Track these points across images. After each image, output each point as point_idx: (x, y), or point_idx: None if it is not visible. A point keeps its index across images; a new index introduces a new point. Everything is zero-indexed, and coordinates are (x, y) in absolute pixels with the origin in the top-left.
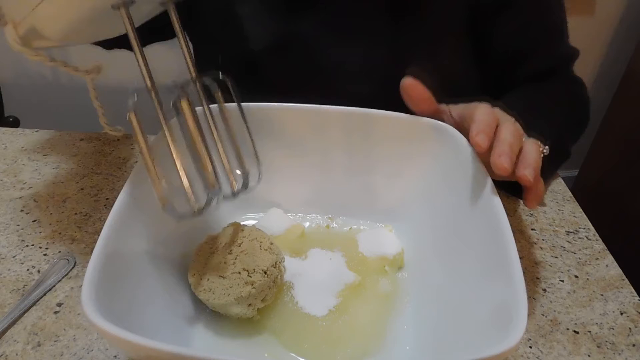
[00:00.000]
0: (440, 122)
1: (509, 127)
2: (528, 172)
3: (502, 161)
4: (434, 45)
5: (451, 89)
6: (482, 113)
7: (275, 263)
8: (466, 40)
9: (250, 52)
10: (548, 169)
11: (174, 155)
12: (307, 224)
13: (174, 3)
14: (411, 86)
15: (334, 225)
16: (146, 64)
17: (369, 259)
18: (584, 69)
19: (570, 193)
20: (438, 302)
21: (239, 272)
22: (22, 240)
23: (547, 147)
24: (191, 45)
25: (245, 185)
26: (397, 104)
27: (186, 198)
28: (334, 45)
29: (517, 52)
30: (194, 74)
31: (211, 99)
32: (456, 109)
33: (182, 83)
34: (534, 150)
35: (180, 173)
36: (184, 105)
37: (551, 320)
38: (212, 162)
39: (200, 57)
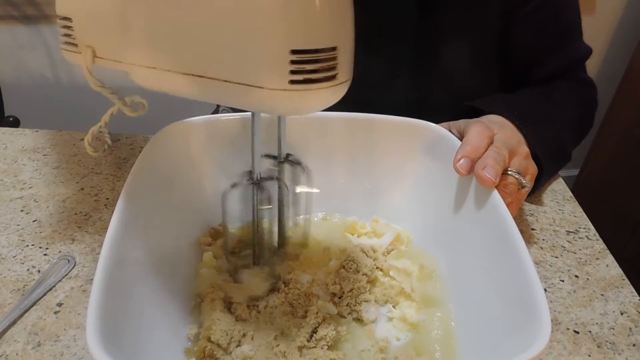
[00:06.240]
0: (440, 127)
1: (496, 149)
2: (487, 171)
3: (486, 172)
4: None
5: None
6: (473, 135)
7: None
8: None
9: None
10: (547, 171)
11: None
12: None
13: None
14: None
15: (335, 219)
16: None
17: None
18: None
19: (570, 193)
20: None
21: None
22: (22, 240)
23: (528, 183)
24: None
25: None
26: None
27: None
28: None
29: (537, 51)
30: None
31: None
32: (455, 126)
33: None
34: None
35: None
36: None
37: (551, 320)
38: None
39: None
